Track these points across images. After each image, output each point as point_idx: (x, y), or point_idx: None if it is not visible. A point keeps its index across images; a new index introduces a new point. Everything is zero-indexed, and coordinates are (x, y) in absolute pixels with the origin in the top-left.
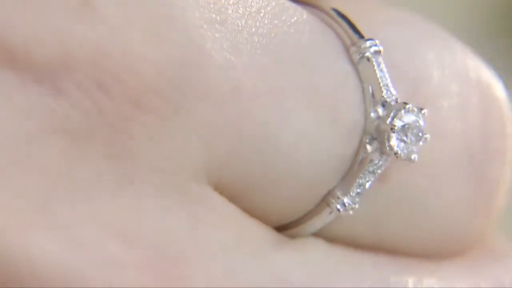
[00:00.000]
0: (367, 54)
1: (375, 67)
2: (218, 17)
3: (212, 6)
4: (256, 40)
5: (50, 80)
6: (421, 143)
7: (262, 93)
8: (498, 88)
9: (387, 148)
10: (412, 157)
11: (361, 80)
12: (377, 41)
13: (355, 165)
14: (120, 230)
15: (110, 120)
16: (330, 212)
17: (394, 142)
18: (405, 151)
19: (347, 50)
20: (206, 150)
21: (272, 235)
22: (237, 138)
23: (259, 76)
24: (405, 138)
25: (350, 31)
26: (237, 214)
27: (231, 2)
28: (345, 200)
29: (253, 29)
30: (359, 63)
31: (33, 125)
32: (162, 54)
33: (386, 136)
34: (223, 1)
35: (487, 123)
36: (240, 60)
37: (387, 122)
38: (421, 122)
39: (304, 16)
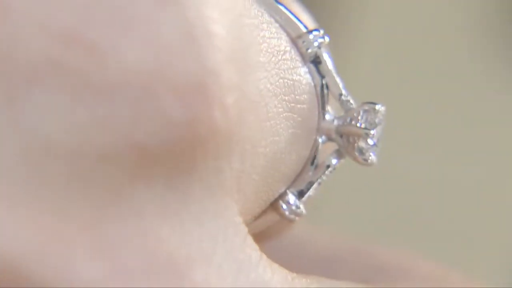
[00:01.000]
0: (315, 48)
1: (327, 62)
2: None
3: None
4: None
5: (138, 84)
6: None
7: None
8: None
9: (356, 152)
10: (373, 160)
11: (312, 76)
12: (321, 31)
13: (307, 168)
14: (174, 261)
15: (198, 133)
16: (277, 216)
17: (365, 146)
18: (371, 154)
19: (293, 42)
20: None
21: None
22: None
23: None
24: (374, 142)
25: (294, 20)
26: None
27: None
28: (297, 204)
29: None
30: (308, 58)
31: (106, 138)
32: None
33: (355, 139)
34: None
35: None
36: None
37: (357, 125)
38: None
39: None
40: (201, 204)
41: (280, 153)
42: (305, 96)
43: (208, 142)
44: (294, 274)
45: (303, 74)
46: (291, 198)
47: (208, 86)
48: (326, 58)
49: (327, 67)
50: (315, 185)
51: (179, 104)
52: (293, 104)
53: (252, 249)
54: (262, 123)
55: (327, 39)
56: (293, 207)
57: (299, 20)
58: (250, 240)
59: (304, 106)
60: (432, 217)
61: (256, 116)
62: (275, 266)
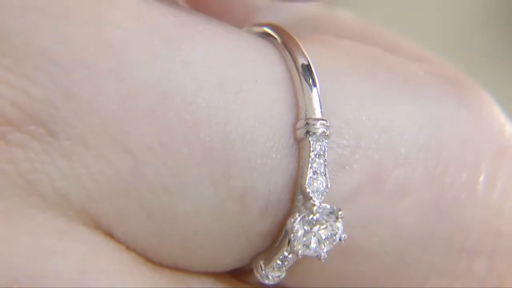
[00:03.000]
0: (310, 136)
1: (311, 151)
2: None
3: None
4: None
5: None
6: (333, 244)
7: (157, 154)
8: None
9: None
10: (322, 256)
11: (298, 158)
12: (327, 124)
13: (276, 242)
14: None
15: None
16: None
17: (296, 240)
18: (311, 249)
19: (296, 118)
20: (88, 199)
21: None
22: (126, 196)
23: (153, 134)
24: (312, 238)
25: (308, 102)
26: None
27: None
28: (267, 271)
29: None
30: (301, 141)
31: None
32: (21, 93)
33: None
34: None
35: None
36: (130, 107)
37: (291, 220)
38: (335, 225)
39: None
40: (40, 221)
41: (203, 220)
42: (263, 175)
43: None
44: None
45: (279, 151)
46: (263, 264)
47: None
48: (314, 147)
49: (309, 156)
50: (282, 257)
51: None
52: (235, 181)
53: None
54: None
55: (328, 132)
56: (270, 276)
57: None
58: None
59: (259, 185)
60: None
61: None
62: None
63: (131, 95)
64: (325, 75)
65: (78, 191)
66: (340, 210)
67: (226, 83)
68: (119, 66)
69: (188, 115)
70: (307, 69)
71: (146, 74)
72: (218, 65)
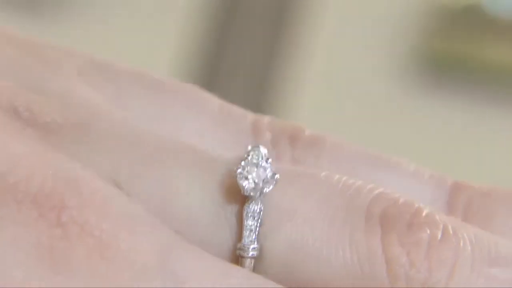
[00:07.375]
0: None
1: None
2: None
3: None
4: None
5: None
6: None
7: None
8: None
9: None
10: (265, 190)
11: None
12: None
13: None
14: None
15: None
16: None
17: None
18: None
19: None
20: None
21: None
22: None
23: None
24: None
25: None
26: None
27: None
28: (241, 245)
29: None
30: None
31: None
32: None
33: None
34: None
35: None
36: None
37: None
38: (267, 169)
39: None
40: None
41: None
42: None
43: None
44: None
45: None
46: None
47: None
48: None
49: None
50: (249, 225)
51: None
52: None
53: None
54: None
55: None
56: (243, 247)
57: None
58: None
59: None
60: None
61: None
62: None
63: None
64: None
65: None
66: (268, 158)
67: None
68: None
69: None
70: None
71: None
72: None
